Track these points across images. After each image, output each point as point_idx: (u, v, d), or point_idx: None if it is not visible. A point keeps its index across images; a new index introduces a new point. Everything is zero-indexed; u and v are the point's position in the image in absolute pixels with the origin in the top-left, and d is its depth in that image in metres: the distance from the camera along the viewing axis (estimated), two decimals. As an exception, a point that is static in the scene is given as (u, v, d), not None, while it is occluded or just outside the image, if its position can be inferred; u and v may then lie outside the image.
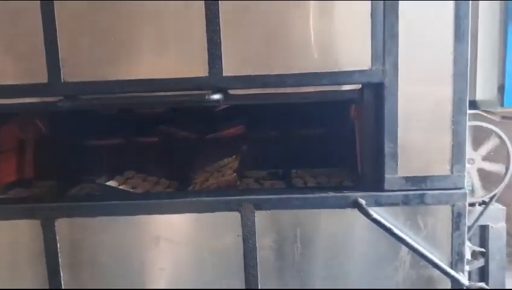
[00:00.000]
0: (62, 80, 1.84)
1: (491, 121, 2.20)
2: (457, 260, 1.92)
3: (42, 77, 1.83)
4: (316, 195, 1.93)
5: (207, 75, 1.86)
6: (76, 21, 1.84)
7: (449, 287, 1.93)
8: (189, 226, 1.97)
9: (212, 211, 1.94)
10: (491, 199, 2.42)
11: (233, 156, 2.45)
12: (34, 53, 1.83)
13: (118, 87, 1.86)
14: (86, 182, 2.44)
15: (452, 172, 1.87)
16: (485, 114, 2.15)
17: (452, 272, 1.90)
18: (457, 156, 1.86)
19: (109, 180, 2.34)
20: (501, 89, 1.93)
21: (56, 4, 1.80)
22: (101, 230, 1.95)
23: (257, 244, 1.94)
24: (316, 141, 2.60)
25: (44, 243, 1.94)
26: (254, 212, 1.92)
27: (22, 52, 1.84)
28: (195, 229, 1.97)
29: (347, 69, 1.84)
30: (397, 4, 1.80)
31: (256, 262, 1.95)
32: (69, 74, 1.85)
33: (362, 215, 1.87)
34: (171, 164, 2.63)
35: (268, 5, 1.81)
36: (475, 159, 2.35)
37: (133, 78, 1.86)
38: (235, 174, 2.24)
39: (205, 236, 1.96)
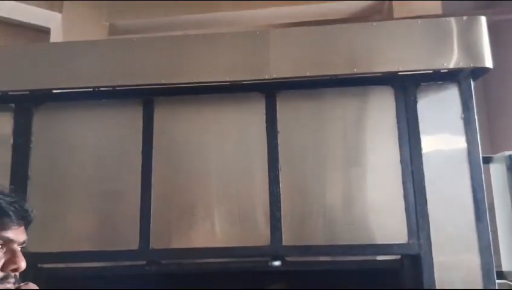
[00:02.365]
0: (150, 247, 2.22)
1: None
2: None
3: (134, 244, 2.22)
4: None
5: (269, 243, 2.22)
6: (166, 198, 2.30)
7: None
8: None
9: None
10: None
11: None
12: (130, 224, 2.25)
13: (195, 254, 2.22)
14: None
15: (488, 339, 2.05)
16: (513, 284, 2.38)
17: None
18: (493, 325, 2.06)
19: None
20: (523, 261, 2.23)
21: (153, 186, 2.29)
22: None
23: None
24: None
25: None
26: None
27: (120, 223, 2.27)
28: None
29: (388, 242, 2.19)
30: (424, 188, 2.21)
31: None
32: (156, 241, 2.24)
33: None
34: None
35: (321, 192, 2.26)
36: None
37: (207, 246, 2.24)
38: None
39: None
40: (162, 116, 2.36)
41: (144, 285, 2.46)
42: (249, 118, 2.36)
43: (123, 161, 2.35)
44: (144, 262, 2.24)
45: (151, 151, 2.32)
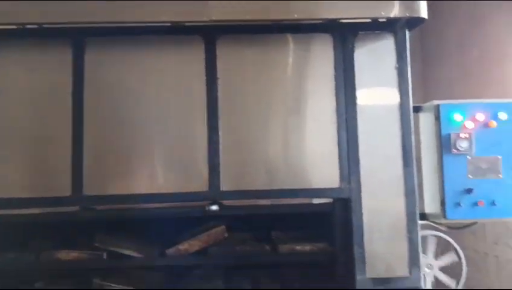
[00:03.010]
0: (83, 193, 2.18)
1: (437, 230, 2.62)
2: None
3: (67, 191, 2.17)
4: (299, 295, 2.23)
5: (207, 189, 2.24)
6: (99, 144, 2.24)
7: None
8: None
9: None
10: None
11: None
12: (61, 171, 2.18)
13: (132, 200, 2.20)
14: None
15: (411, 274, 2.24)
16: (434, 224, 2.58)
17: None
18: (413, 259, 2.24)
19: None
20: (442, 204, 2.39)
21: (85, 131, 2.22)
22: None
23: None
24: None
25: None
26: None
27: (50, 170, 2.20)
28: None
29: (321, 187, 2.28)
30: (357, 136, 2.30)
31: None
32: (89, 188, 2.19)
33: (339, 312, 2.16)
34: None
35: (259, 135, 2.29)
36: (432, 264, 2.69)
37: (144, 192, 2.23)
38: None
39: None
40: (94, 59, 2.25)
41: (79, 232, 2.44)
42: (189, 63, 2.30)
43: (54, 105, 2.24)
44: (77, 208, 2.19)
45: (82, 96, 2.23)
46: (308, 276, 2.48)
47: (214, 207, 2.24)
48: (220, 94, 2.28)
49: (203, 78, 2.29)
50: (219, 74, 2.29)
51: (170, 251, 2.37)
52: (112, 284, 2.32)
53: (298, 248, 2.41)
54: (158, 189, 2.25)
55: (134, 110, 2.27)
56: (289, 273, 2.58)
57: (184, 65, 2.31)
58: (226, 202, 2.32)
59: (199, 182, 2.24)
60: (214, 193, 2.24)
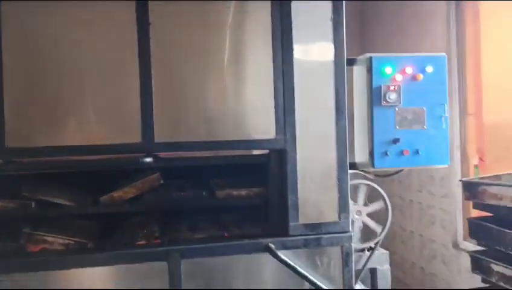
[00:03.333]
0: (6, 146, 2.04)
1: (367, 179, 2.77)
2: (347, 291, 2.37)
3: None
4: (235, 243, 2.29)
5: (140, 140, 2.19)
6: (23, 95, 2.08)
7: (342, 315, 2.35)
8: (121, 276, 2.18)
9: (142, 261, 2.18)
10: (376, 244, 2.91)
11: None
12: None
13: (60, 152, 2.10)
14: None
15: (340, 219, 2.37)
16: (362, 173, 2.72)
17: (345, 302, 2.33)
18: (342, 206, 2.37)
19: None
20: (371, 153, 2.51)
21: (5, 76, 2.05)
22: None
23: (183, 290, 2.20)
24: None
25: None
26: (180, 261, 2.20)
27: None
28: (126, 279, 2.18)
29: (256, 138, 2.31)
30: (293, 88, 2.33)
31: (182, 306, 2.20)
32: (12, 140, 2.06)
33: (272, 257, 2.25)
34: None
35: (195, 84, 2.24)
36: (361, 210, 2.86)
37: (74, 144, 2.13)
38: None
39: (135, 285, 2.17)
40: (12, 8, 2.05)
41: (6, 185, 2.31)
42: (118, 7, 2.17)
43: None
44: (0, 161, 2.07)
45: (0, 44, 2.04)
46: (246, 221, 2.54)
47: (148, 159, 2.20)
48: (152, 42, 2.18)
49: (134, 24, 2.17)
50: (151, 20, 2.18)
51: (104, 198, 2.32)
52: (42, 233, 2.24)
53: (235, 193, 2.46)
54: (89, 141, 2.16)
55: (61, 60, 2.14)
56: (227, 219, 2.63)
57: (114, 11, 2.17)
58: (162, 154, 2.29)
59: (132, 134, 2.18)
60: (147, 144, 2.19)
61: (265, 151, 2.40)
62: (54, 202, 2.28)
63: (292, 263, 2.27)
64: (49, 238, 2.26)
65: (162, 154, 2.29)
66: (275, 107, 2.31)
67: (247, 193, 2.47)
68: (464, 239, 4.26)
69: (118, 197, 2.34)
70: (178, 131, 2.25)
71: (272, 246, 2.26)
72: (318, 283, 2.29)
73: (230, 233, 2.47)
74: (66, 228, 2.36)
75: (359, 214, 2.80)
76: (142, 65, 2.17)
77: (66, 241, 2.27)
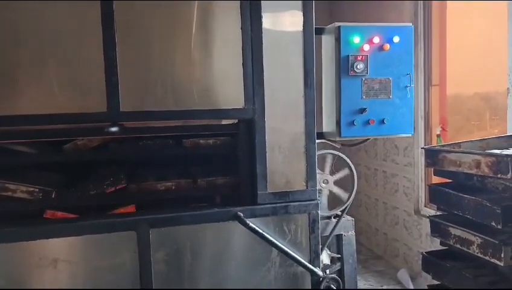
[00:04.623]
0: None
1: (335, 148, 2.83)
2: (314, 257, 2.44)
3: None
4: (204, 211, 2.30)
5: (105, 110, 2.13)
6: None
7: (309, 280, 2.43)
8: (90, 246, 2.16)
9: (111, 231, 2.17)
10: (343, 212, 2.98)
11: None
12: None
13: (22, 121, 2.03)
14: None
15: (307, 187, 2.41)
16: (329, 142, 2.77)
17: (311, 267, 2.40)
18: (310, 174, 2.41)
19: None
20: (338, 123, 2.55)
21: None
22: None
23: (152, 259, 2.21)
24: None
25: None
26: (149, 230, 2.20)
27: None
28: (95, 249, 2.17)
29: (225, 107, 2.29)
30: (262, 57, 2.30)
31: (151, 275, 2.21)
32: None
33: (241, 225, 2.29)
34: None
35: (162, 53, 2.19)
36: (328, 179, 2.92)
37: (36, 113, 2.06)
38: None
39: (104, 255, 2.17)
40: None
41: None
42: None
43: None
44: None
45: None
46: (214, 173, 2.52)
47: (114, 128, 2.15)
48: (116, 7, 2.10)
49: (98, -9, 2.07)
50: (115, -14, 2.09)
51: (67, 146, 2.23)
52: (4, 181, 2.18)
53: (202, 141, 2.46)
54: (53, 110, 2.08)
55: (22, 25, 2.02)
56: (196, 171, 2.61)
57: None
58: (128, 124, 2.24)
59: (97, 103, 2.12)
60: (112, 113, 2.14)
61: (234, 121, 2.39)
62: (16, 150, 2.17)
63: (261, 231, 2.31)
64: (11, 186, 2.18)
65: (129, 124, 2.24)
66: (243, 77, 2.29)
67: (214, 141, 2.46)
68: (425, 205, 4.45)
69: (82, 145, 2.25)
70: (145, 101, 2.20)
71: (241, 214, 2.28)
72: (286, 249, 2.35)
73: (197, 183, 2.44)
74: (29, 178, 2.27)
75: (326, 182, 2.87)
76: (106, 34, 2.09)
77: (30, 189, 2.19)
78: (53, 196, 2.23)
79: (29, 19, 2.04)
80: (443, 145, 3.08)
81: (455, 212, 2.59)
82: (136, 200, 2.38)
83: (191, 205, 2.41)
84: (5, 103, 2.05)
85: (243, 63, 2.29)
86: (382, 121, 2.53)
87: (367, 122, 2.51)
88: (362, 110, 2.50)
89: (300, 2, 2.34)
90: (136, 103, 2.19)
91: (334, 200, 2.91)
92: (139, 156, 2.58)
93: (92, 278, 2.17)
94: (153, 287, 2.21)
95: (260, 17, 2.28)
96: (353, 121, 2.50)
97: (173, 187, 2.40)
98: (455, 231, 2.59)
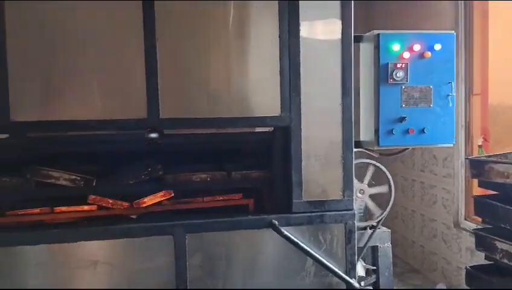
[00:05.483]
0: (11, 119, 2.04)
1: (372, 157, 2.77)
2: (350, 268, 2.39)
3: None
4: (239, 218, 2.31)
5: (146, 116, 2.18)
6: (27, 68, 2.07)
7: (344, 290, 2.38)
8: (128, 249, 2.20)
9: (149, 235, 2.21)
10: (378, 223, 2.92)
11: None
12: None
13: (64, 127, 2.11)
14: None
15: (344, 197, 2.38)
16: (368, 151, 2.72)
17: (347, 278, 2.36)
18: (347, 184, 2.38)
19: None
20: (376, 132, 2.48)
21: (8, 52, 2.03)
22: (40, 256, 2.11)
23: (188, 264, 2.23)
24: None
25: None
26: (185, 235, 2.23)
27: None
28: (133, 252, 2.21)
29: (262, 115, 2.30)
30: (299, 66, 2.30)
31: (187, 280, 2.23)
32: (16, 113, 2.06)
33: (276, 233, 2.28)
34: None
35: (202, 64, 2.23)
36: (364, 189, 2.86)
37: (80, 118, 2.13)
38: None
39: (142, 258, 2.20)
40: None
41: (12, 162, 2.32)
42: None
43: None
44: (6, 135, 2.07)
45: (3, 14, 2.02)
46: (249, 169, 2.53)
47: (154, 135, 2.20)
48: (157, 16, 2.15)
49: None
50: (157, -4, 2.15)
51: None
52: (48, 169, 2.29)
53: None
54: (95, 116, 2.15)
55: (66, 33, 2.11)
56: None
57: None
58: (165, 131, 2.29)
59: (138, 109, 2.17)
60: (152, 120, 2.18)
61: (269, 129, 2.40)
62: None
63: (295, 239, 2.29)
64: (55, 174, 2.28)
65: (166, 131, 2.28)
66: (280, 84, 2.29)
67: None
68: (465, 218, 4.29)
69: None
70: (183, 108, 2.24)
71: (276, 222, 2.28)
72: (321, 258, 2.32)
73: (231, 176, 2.46)
74: (71, 168, 2.38)
75: (362, 192, 2.81)
76: (148, 42, 2.15)
77: (73, 177, 2.29)
78: (93, 184, 2.32)
79: (73, 28, 2.12)
80: (489, 156, 2.96)
81: (502, 225, 2.49)
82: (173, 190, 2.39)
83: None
84: (49, 108, 2.13)
85: (280, 71, 2.29)
86: (422, 130, 2.46)
87: (406, 132, 2.46)
88: (401, 119, 2.44)
89: (339, 10, 2.33)
90: (175, 110, 2.23)
91: (365, 211, 2.85)
92: (176, 150, 2.59)
93: (129, 281, 2.20)
94: (188, 290, 2.23)
95: (298, 26, 2.28)
96: (392, 129, 2.45)
97: (208, 179, 2.44)
98: (502, 245, 2.49)
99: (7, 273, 2.07)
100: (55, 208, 2.29)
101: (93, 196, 2.32)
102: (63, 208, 2.29)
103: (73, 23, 2.12)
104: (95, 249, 2.17)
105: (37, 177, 2.26)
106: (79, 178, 2.29)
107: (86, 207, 2.31)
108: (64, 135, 2.21)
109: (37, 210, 2.26)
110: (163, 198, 2.37)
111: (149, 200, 2.36)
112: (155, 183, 2.39)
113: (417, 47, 2.44)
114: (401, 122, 2.44)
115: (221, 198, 2.43)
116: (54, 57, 2.12)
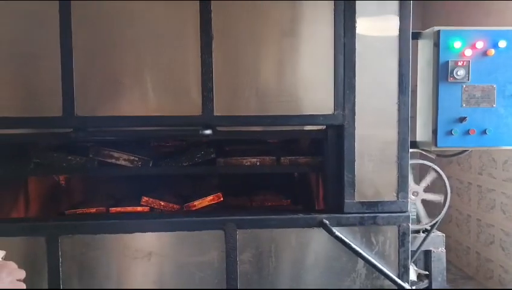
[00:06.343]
0: (75, 114, 2.15)
1: (429, 159, 2.67)
2: (403, 272, 2.33)
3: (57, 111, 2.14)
4: (290, 216, 2.30)
5: (200, 114, 2.23)
6: (90, 65, 2.17)
7: (396, 295, 2.32)
8: (180, 242, 2.26)
9: (201, 229, 2.25)
10: (432, 226, 2.79)
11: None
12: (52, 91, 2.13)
13: (125, 123, 2.19)
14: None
15: (398, 198, 2.31)
16: (424, 152, 2.62)
17: (400, 282, 2.29)
18: (401, 185, 2.30)
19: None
20: (434, 132, 2.40)
21: (74, 50, 2.14)
22: (100, 246, 2.21)
23: (238, 259, 2.26)
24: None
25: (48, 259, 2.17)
26: (236, 231, 2.25)
27: (41, 89, 2.15)
28: (186, 245, 2.26)
29: (314, 113, 2.28)
30: (354, 62, 2.26)
31: (237, 274, 2.26)
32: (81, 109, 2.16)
33: (326, 233, 2.25)
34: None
35: (254, 63, 2.24)
36: (418, 192, 2.77)
37: (137, 114, 2.21)
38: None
39: (194, 251, 2.25)
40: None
41: (71, 152, 2.44)
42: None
43: (40, 22, 2.13)
44: (70, 130, 2.17)
45: (69, 15, 2.12)
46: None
47: (208, 131, 2.23)
48: (213, 15, 2.18)
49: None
50: (212, -5, 2.18)
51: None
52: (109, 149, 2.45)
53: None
54: (151, 112, 2.22)
55: (125, 31, 2.19)
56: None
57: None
58: (218, 128, 2.31)
59: (192, 106, 2.22)
60: (207, 117, 2.22)
61: (321, 127, 2.36)
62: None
63: (347, 240, 2.25)
64: (115, 154, 2.44)
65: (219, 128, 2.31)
66: (334, 82, 2.26)
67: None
68: (527, 226, 4.05)
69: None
70: (236, 104, 2.26)
71: (327, 222, 2.25)
72: (373, 260, 2.27)
73: (280, 161, 2.50)
74: (130, 149, 2.52)
75: (416, 194, 2.72)
76: (204, 40, 2.18)
77: (131, 158, 2.44)
78: (150, 165, 2.43)
79: (131, 25, 2.19)
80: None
81: None
82: (224, 173, 2.58)
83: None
84: (108, 104, 2.21)
85: (334, 68, 2.26)
86: (484, 132, 2.35)
87: (467, 132, 2.35)
88: (462, 119, 2.34)
89: (397, 6, 2.26)
90: (228, 107, 2.25)
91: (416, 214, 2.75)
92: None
93: (180, 273, 2.26)
94: (238, 287, 2.26)
95: (354, 22, 2.24)
96: (451, 130, 2.35)
97: (258, 163, 2.49)
98: None
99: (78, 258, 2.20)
100: (110, 209, 2.48)
101: (146, 198, 2.49)
102: (118, 209, 2.48)
103: (131, 22, 2.19)
104: (150, 241, 2.24)
105: (99, 157, 2.43)
106: (137, 159, 2.43)
107: (139, 208, 2.50)
108: (121, 130, 2.29)
109: (93, 210, 2.48)
110: (213, 202, 2.52)
111: (199, 204, 2.52)
112: (207, 165, 2.49)
113: (480, 44, 2.32)
114: (461, 122, 2.34)
115: (270, 204, 2.51)
116: (113, 57, 2.19)
